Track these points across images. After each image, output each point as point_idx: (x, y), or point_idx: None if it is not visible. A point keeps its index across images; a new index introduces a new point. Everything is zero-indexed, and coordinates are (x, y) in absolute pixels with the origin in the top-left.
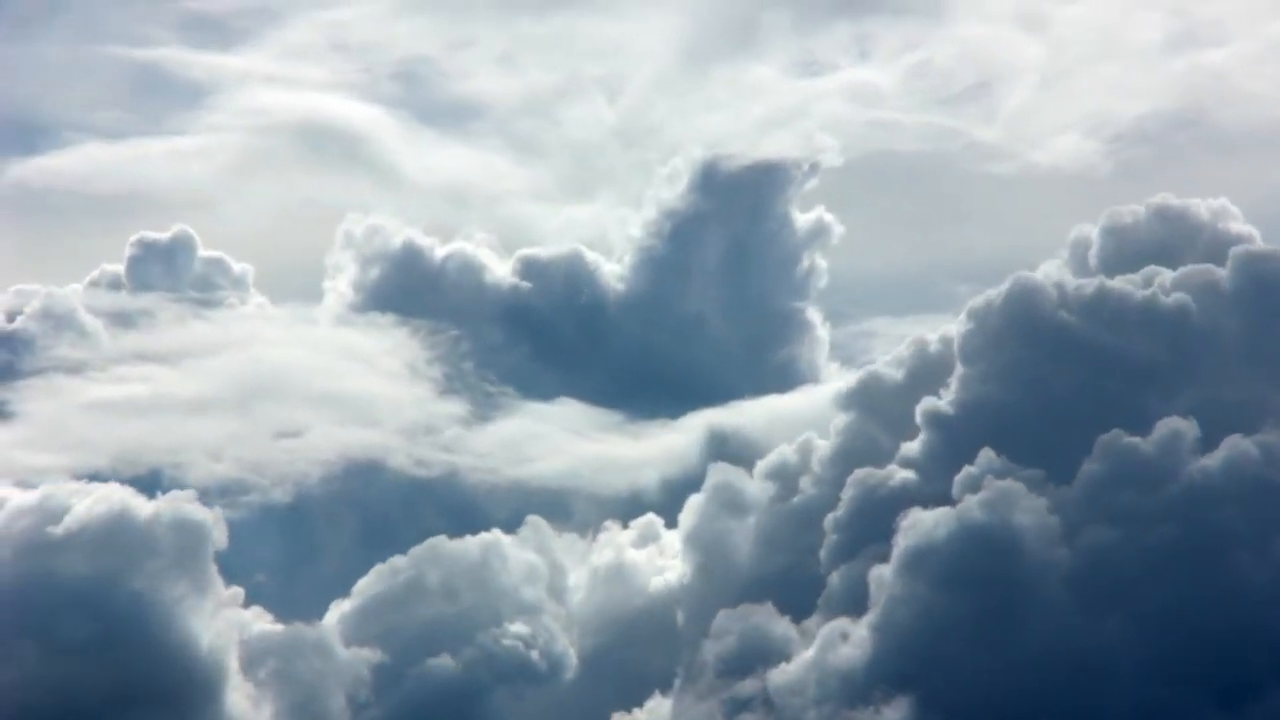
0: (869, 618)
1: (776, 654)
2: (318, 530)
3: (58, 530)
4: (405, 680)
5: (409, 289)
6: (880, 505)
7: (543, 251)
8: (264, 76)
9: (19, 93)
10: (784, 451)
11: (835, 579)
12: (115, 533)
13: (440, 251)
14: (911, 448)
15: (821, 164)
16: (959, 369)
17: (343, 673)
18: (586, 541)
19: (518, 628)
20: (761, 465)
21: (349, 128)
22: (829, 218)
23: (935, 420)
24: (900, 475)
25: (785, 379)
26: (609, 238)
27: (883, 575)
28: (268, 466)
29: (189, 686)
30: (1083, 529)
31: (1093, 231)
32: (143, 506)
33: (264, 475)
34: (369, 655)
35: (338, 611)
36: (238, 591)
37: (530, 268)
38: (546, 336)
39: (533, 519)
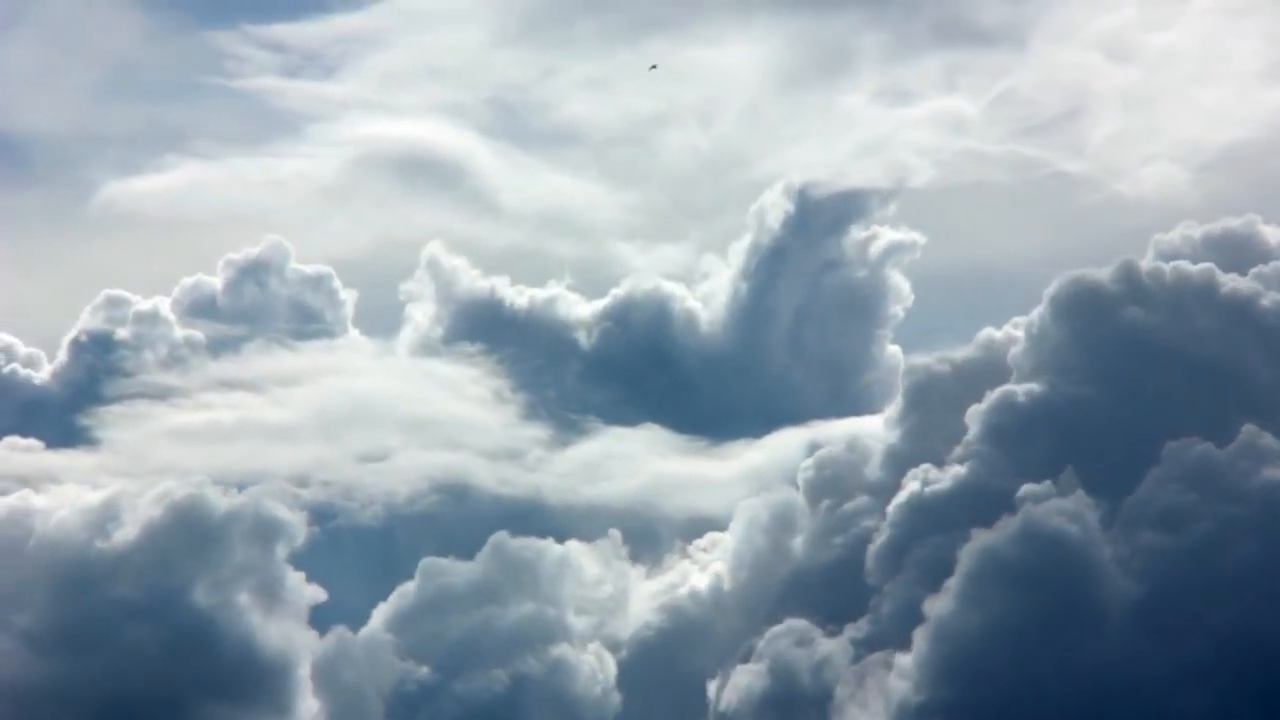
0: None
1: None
2: (405, 549)
3: (131, 522)
4: (445, 694)
5: (493, 326)
6: (933, 507)
7: (629, 288)
8: (361, 104)
9: (121, 117)
10: (833, 450)
11: (886, 592)
12: (190, 524)
13: (525, 296)
14: (968, 445)
15: (907, 185)
16: (1024, 365)
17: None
18: (673, 556)
19: (565, 651)
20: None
21: (445, 154)
22: (911, 237)
23: (994, 419)
24: (955, 473)
25: (868, 403)
26: (697, 267)
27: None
28: (355, 490)
29: (251, 678)
30: (1147, 542)
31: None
32: (221, 500)
33: (352, 498)
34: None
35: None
36: (318, 591)
37: (617, 303)
38: (631, 367)
39: (613, 533)
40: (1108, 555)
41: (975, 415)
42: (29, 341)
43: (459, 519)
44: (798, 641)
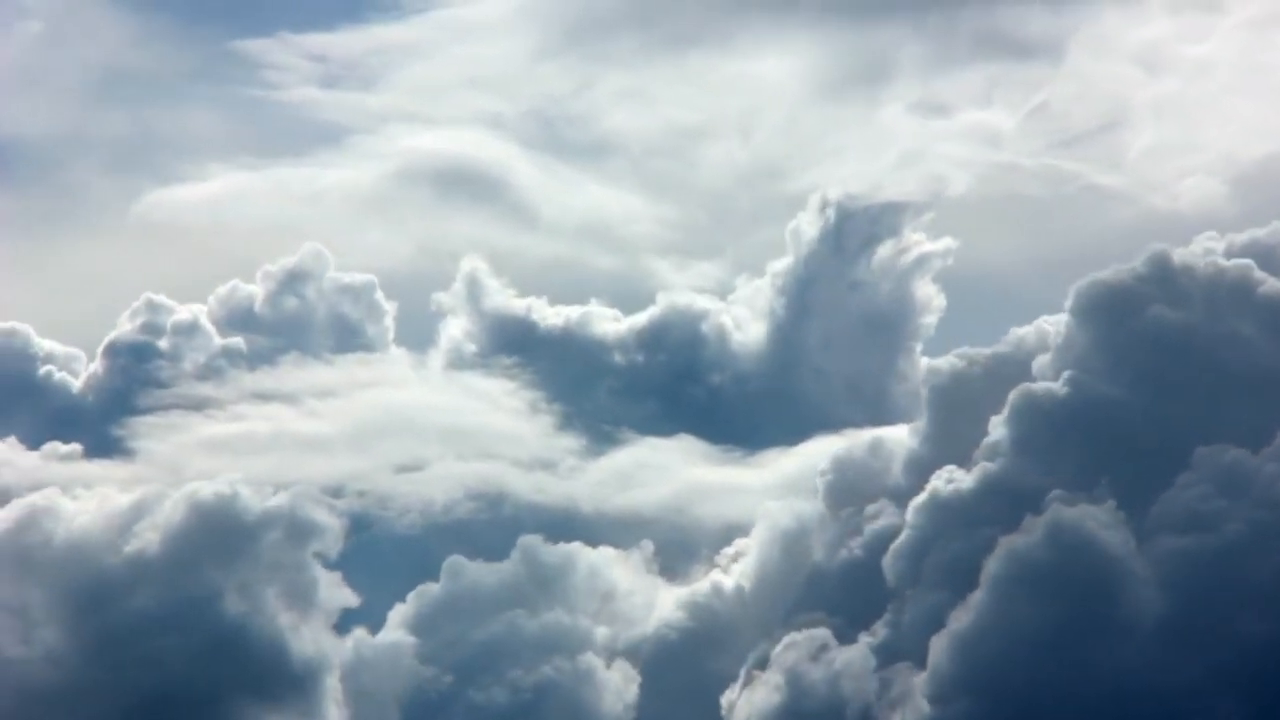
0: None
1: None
2: (441, 557)
3: (163, 521)
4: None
5: (529, 343)
6: (954, 508)
7: (665, 304)
8: (401, 115)
9: (163, 126)
10: (852, 453)
11: (905, 595)
12: (224, 524)
13: (561, 316)
14: (990, 445)
15: (942, 198)
16: (1049, 362)
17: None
18: (701, 565)
19: (589, 661)
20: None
21: (484, 166)
22: (944, 244)
23: (1017, 418)
24: (977, 474)
25: (904, 414)
26: (732, 283)
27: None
28: (391, 499)
29: (282, 682)
30: (1176, 548)
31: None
32: (256, 500)
33: (388, 508)
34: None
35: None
36: (351, 595)
37: (652, 319)
38: (666, 382)
39: (645, 544)
40: (1135, 561)
41: (998, 415)
42: (67, 344)
43: (494, 526)
44: (811, 652)
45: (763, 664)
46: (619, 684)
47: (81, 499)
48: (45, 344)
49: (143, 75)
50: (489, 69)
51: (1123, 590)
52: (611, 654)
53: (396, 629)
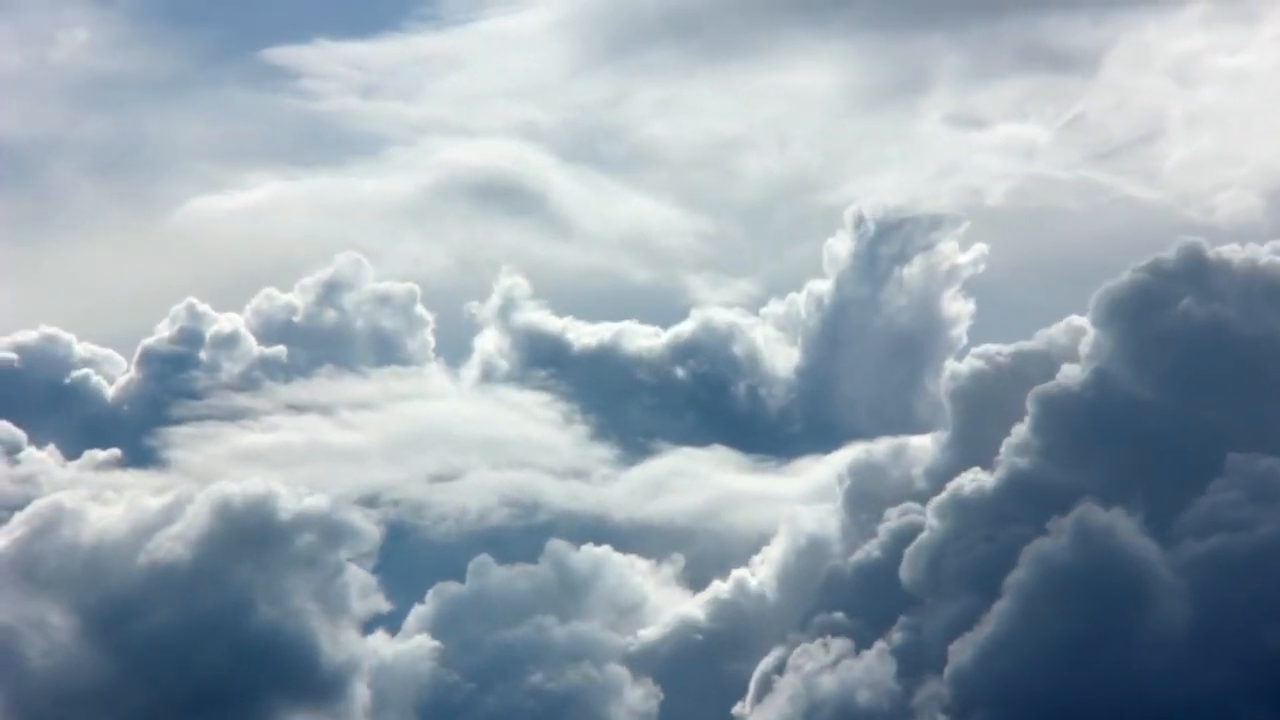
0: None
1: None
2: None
3: (195, 520)
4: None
5: (563, 360)
6: (975, 509)
7: (700, 319)
8: (439, 125)
9: (203, 134)
10: (873, 457)
11: (922, 598)
12: (259, 524)
13: (595, 336)
14: (1012, 446)
15: (976, 211)
16: (1076, 360)
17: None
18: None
19: (614, 672)
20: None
21: (522, 177)
22: (977, 250)
23: (1040, 419)
24: (998, 475)
25: (938, 424)
26: (767, 297)
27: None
28: (426, 508)
29: (308, 684)
30: (1205, 556)
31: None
32: (291, 501)
33: (423, 517)
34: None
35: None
36: (380, 599)
37: (687, 335)
38: (700, 397)
39: (676, 557)
40: (1163, 568)
41: (1023, 413)
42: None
43: (528, 533)
44: (827, 663)
45: (779, 669)
46: (640, 695)
47: (111, 503)
48: (83, 347)
49: (182, 83)
50: (527, 80)
51: (1150, 597)
52: (632, 661)
53: (416, 630)
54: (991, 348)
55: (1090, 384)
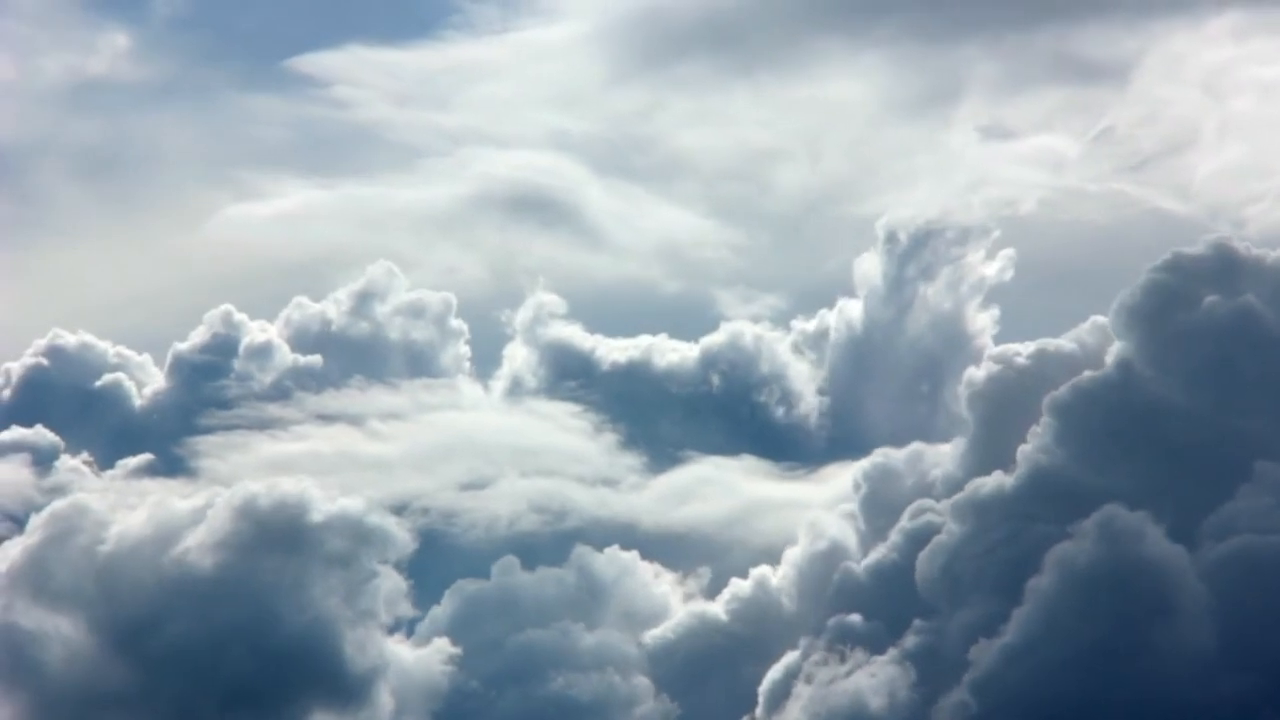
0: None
1: None
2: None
3: (224, 519)
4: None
5: (593, 375)
6: (991, 510)
7: (730, 333)
8: (473, 135)
9: (238, 143)
10: (891, 461)
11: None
12: (289, 523)
13: (626, 353)
14: (1033, 448)
15: (1005, 223)
16: (1098, 363)
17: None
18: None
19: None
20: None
21: (556, 187)
22: (1005, 258)
23: (1060, 420)
24: (1016, 477)
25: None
26: (796, 312)
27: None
28: (456, 516)
29: (334, 686)
30: (1231, 563)
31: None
32: (324, 502)
33: (453, 524)
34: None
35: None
36: (407, 605)
37: (715, 348)
38: (729, 410)
39: (702, 570)
40: (1189, 574)
41: (1042, 415)
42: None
43: (557, 539)
44: (841, 673)
45: (792, 676)
46: (657, 705)
47: (137, 506)
48: (116, 352)
49: (217, 91)
50: (561, 90)
51: (1176, 603)
52: (647, 658)
53: (434, 631)
54: (1010, 348)
55: (1114, 384)
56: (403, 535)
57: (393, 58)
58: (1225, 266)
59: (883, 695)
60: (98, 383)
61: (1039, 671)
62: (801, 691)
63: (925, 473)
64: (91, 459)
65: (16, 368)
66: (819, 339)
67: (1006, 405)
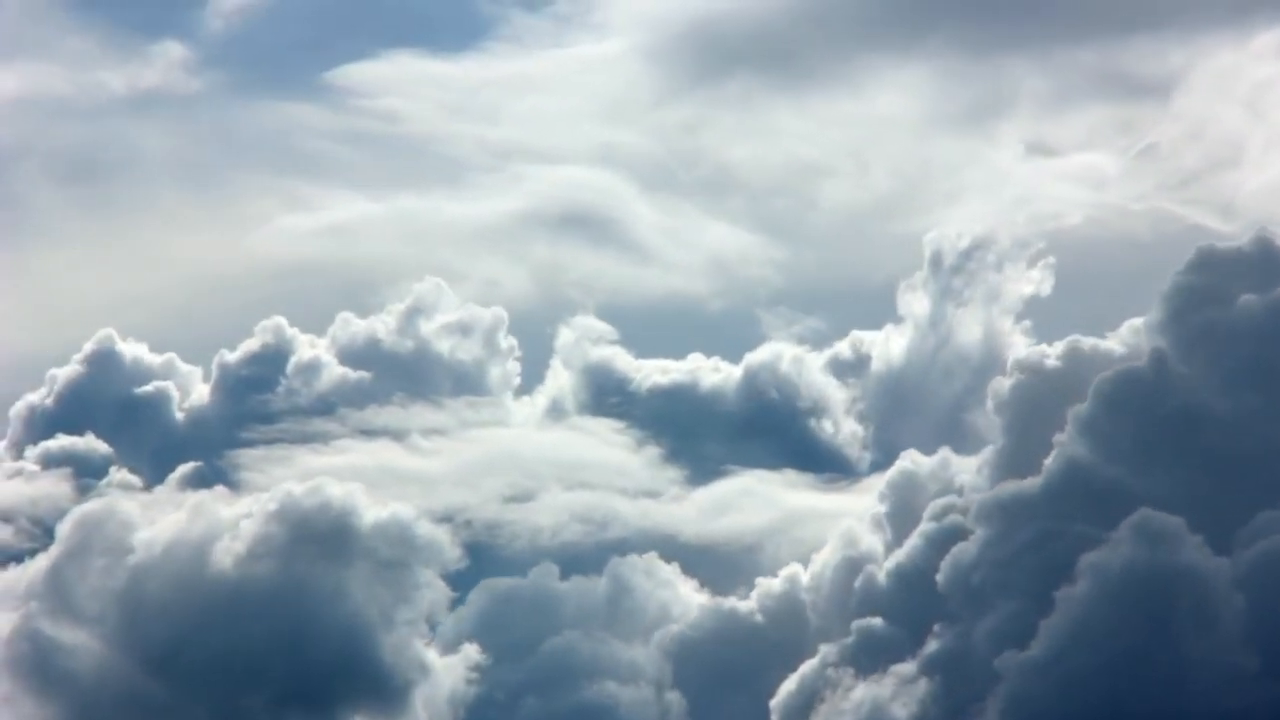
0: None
1: None
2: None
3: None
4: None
5: (636, 396)
6: (1016, 515)
7: (771, 353)
8: (521, 150)
9: (285, 156)
10: (917, 467)
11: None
12: (336, 529)
13: (669, 375)
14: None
15: (1047, 239)
16: (1131, 364)
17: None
18: None
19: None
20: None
21: (602, 202)
22: (1042, 275)
23: (1086, 425)
24: (1043, 480)
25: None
26: (838, 333)
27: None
28: (499, 528)
29: (372, 689)
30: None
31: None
32: (371, 509)
33: (496, 536)
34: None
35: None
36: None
37: (756, 368)
38: (770, 428)
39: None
40: (1225, 583)
41: (1068, 421)
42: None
43: (600, 550)
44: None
45: (811, 685)
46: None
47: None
48: (164, 361)
49: (267, 101)
50: (609, 105)
51: (1212, 611)
52: (665, 652)
53: (458, 631)
54: (1037, 350)
55: (1150, 381)
56: (450, 548)
57: (442, 70)
58: (1264, 261)
59: (904, 709)
60: (139, 390)
61: (1070, 684)
62: (819, 709)
63: (951, 479)
64: (138, 470)
65: (62, 374)
66: (862, 362)
67: (1035, 413)
